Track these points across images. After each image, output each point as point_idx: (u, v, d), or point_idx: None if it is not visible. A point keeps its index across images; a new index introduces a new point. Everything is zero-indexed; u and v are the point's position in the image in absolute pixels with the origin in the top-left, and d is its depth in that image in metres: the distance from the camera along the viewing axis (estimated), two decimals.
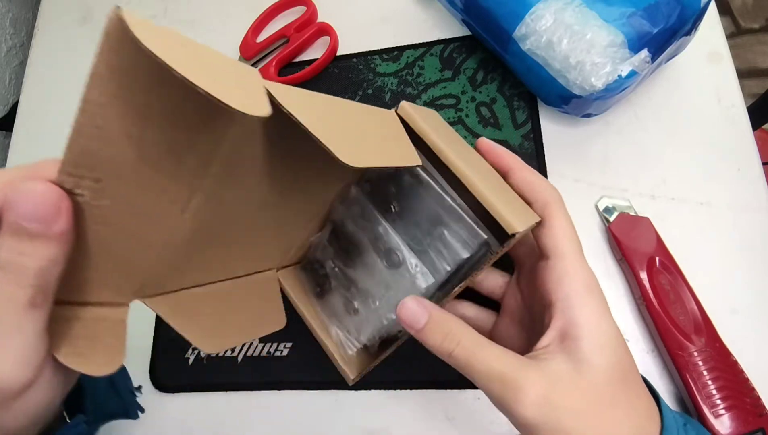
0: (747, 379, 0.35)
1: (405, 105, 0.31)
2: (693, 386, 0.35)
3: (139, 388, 0.39)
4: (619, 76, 0.37)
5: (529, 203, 0.30)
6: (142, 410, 0.38)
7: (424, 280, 0.29)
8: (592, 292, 0.26)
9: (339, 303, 0.35)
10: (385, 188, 0.32)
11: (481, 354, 0.25)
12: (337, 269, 0.35)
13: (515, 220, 0.26)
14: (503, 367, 0.24)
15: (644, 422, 0.25)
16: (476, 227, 0.28)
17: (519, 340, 0.33)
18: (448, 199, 0.28)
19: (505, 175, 0.31)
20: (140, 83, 0.18)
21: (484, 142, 0.33)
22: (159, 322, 0.47)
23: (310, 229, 0.35)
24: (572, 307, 0.25)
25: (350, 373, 0.35)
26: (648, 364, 0.39)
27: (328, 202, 0.34)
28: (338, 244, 0.35)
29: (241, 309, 0.32)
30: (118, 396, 0.34)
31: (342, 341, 0.35)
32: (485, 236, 0.27)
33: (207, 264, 0.29)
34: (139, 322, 0.47)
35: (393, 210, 0.32)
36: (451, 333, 0.25)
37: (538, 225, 0.29)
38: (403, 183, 0.31)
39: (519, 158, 0.31)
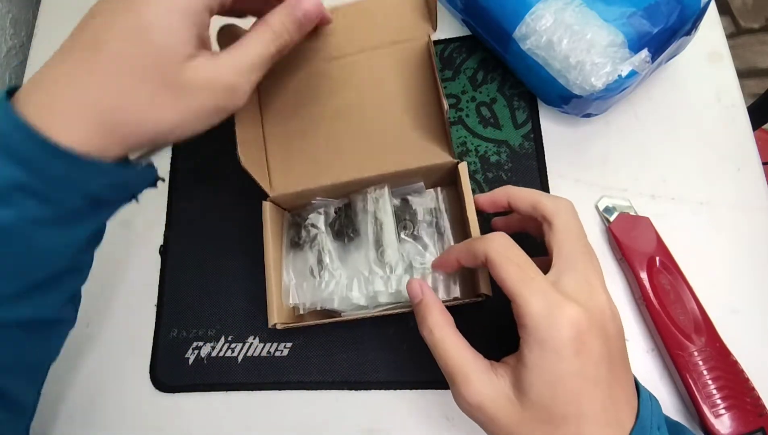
0: (747, 379, 0.35)
1: None
2: (693, 386, 0.35)
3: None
4: (619, 76, 0.37)
5: (540, 224, 0.32)
6: (162, 179, 0.36)
7: (388, 286, 0.39)
8: (544, 337, 0.27)
9: (307, 262, 0.42)
10: (407, 211, 0.42)
11: (442, 345, 0.30)
12: (327, 237, 0.42)
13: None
14: (464, 363, 0.29)
15: (621, 406, 0.26)
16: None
17: None
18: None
19: (509, 207, 0.35)
20: None
21: (480, 199, 0.36)
22: (159, 322, 0.47)
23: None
24: (524, 348, 0.27)
25: (276, 318, 0.38)
26: (648, 363, 0.39)
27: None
28: (344, 219, 0.42)
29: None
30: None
31: (289, 289, 0.41)
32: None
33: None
34: (139, 323, 0.47)
35: (409, 229, 0.41)
36: (426, 320, 0.31)
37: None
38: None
39: (512, 187, 0.35)
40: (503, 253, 0.28)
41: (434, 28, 0.39)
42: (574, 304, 0.26)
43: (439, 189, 0.43)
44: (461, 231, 0.41)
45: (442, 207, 0.42)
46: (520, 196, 0.33)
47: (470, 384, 0.28)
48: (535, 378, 0.26)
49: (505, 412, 0.27)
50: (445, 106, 0.35)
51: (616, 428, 0.25)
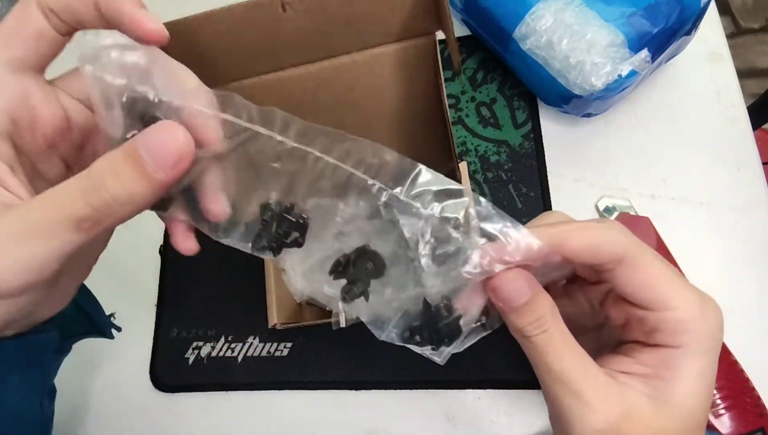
0: (747, 379, 0.35)
1: None
2: None
3: (111, 315, 0.36)
4: (619, 75, 0.37)
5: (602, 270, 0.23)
6: (118, 329, 0.36)
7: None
8: (708, 350, 0.22)
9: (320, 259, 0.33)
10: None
11: (562, 351, 0.22)
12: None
13: None
14: (578, 375, 0.22)
15: None
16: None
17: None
18: None
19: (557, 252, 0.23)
20: None
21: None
22: (159, 322, 0.47)
23: None
24: (679, 357, 0.22)
25: (276, 319, 0.35)
26: None
27: None
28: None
29: None
30: (87, 318, 0.33)
31: (293, 285, 0.34)
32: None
33: None
34: (139, 323, 0.47)
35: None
36: (543, 319, 0.22)
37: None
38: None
39: (563, 222, 0.24)
40: (641, 245, 0.22)
41: (446, 29, 0.33)
42: (713, 301, 0.23)
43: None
44: None
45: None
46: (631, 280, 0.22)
47: (594, 403, 0.21)
48: (698, 387, 0.22)
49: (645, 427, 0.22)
50: (447, 111, 0.34)
51: None
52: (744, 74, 1.22)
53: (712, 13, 0.45)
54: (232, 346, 0.45)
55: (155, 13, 0.23)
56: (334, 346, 0.43)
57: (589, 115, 0.43)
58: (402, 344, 0.24)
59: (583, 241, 0.22)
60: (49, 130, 0.22)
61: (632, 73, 0.38)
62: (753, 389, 0.35)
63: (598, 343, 0.26)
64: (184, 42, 0.32)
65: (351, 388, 0.42)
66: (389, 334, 0.25)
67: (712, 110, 0.44)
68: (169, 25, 0.30)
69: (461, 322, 0.23)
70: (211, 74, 0.36)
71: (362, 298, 0.24)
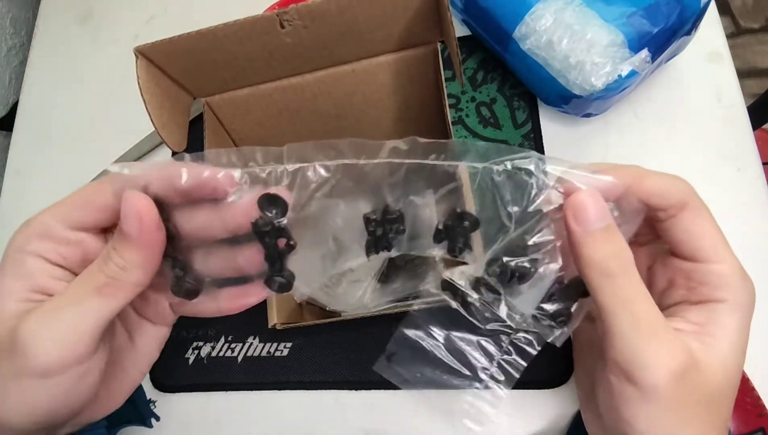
0: (747, 379, 0.35)
1: None
2: None
3: (152, 402, 0.41)
4: (619, 75, 0.37)
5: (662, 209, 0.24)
6: (158, 418, 0.39)
7: None
8: (746, 307, 0.24)
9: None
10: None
11: (644, 294, 0.21)
12: None
13: None
14: (659, 319, 0.21)
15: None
16: None
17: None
18: None
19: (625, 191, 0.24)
20: None
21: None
22: None
23: None
24: (721, 312, 0.23)
25: (276, 319, 0.35)
26: None
27: None
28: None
29: None
30: (134, 406, 0.36)
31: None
32: None
33: None
34: None
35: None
36: (623, 252, 0.21)
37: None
38: None
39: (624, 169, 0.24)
40: (701, 199, 0.24)
41: (448, 37, 0.33)
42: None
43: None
44: None
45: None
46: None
47: (672, 347, 0.21)
48: (739, 343, 0.23)
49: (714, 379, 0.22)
50: (448, 113, 0.34)
51: None
52: (744, 74, 1.21)
53: (712, 13, 0.45)
54: (232, 346, 0.45)
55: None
56: (334, 346, 0.43)
57: (589, 115, 0.43)
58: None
59: (655, 181, 0.23)
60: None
61: (632, 73, 0.38)
62: (753, 389, 0.35)
63: None
64: (184, 55, 0.32)
65: (351, 388, 0.42)
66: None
67: (712, 110, 0.44)
68: (169, 41, 0.31)
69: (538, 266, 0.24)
70: (208, 84, 0.36)
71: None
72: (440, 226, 0.25)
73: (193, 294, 0.25)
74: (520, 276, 0.24)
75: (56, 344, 0.21)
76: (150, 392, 0.45)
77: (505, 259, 0.24)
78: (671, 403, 0.21)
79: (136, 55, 0.31)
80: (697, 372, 0.22)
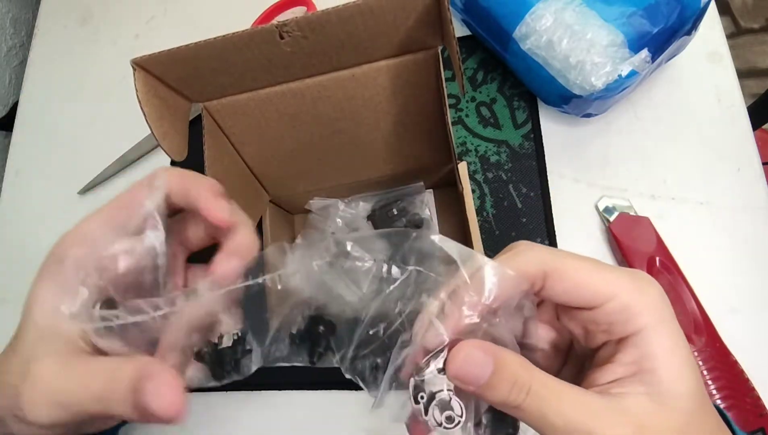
0: (747, 379, 0.35)
1: None
2: None
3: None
4: (619, 75, 0.37)
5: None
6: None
7: None
8: (664, 319, 0.22)
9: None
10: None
11: (555, 403, 0.20)
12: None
13: None
14: (583, 416, 0.20)
15: None
16: None
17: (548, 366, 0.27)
18: None
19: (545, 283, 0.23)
20: None
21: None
22: None
23: None
24: (646, 340, 0.22)
25: None
26: None
27: None
28: None
29: None
30: None
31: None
32: None
33: None
34: None
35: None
36: (520, 380, 0.21)
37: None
38: None
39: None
40: (555, 253, 0.23)
41: (450, 44, 0.32)
42: (643, 274, 0.23)
43: (432, 192, 0.43)
44: (460, 235, 0.41)
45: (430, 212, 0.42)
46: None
47: None
48: (678, 361, 0.22)
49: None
50: (448, 113, 0.34)
51: None
52: (744, 74, 1.21)
53: (712, 13, 0.45)
54: None
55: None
56: None
57: (589, 115, 0.43)
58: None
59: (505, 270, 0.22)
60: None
61: (632, 73, 0.38)
62: (753, 389, 0.35)
63: (575, 367, 0.26)
64: (182, 64, 0.32)
65: (351, 388, 0.42)
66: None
67: (712, 110, 0.44)
68: (167, 53, 0.31)
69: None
70: (207, 90, 0.36)
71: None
72: (293, 331, 0.26)
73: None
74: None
75: (51, 412, 0.22)
76: None
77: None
78: None
79: (133, 67, 0.30)
80: (650, 428, 0.20)
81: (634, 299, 0.22)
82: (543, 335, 0.26)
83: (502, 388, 0.21)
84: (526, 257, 0.22)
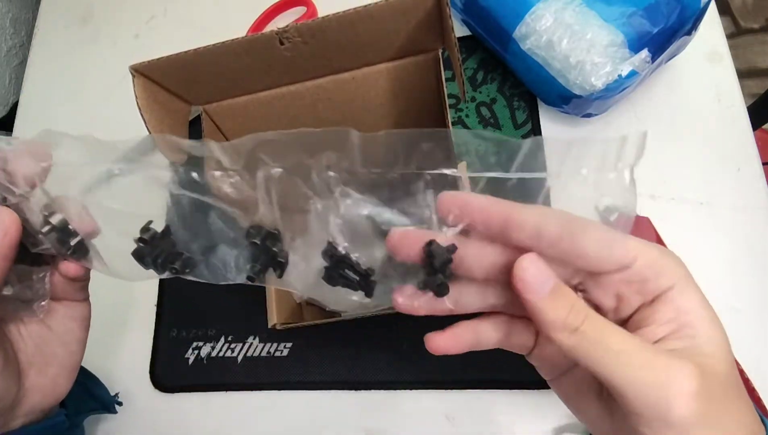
0: (747, 379, 0.35)
1: None
2: None
3: (116, 395, 0.43)
4: (619, 75, 0.37)
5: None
6: (120, 404, 0.42)
7: None
8: (689, 276, 0.23)
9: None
10: None
11: (616, 331, 0.20)
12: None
13: None
14: (647, 348, 0.20)
15: (753, 416, 0.23)
16: None
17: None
18: None
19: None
20: None
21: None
22: (159, 322, 0.47)
23: None
24: (680, 295, 0.22)
25: (276, 319, 0.35)
26: None
27: None
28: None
29: None
30: (93, 398, 0.38)
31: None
32: None
33: None
34: (139, 323, 0.47)
35: None
36: (578, 305, 0.21)
37: None
38: None
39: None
40: (576, 219, 0.23)
41: (450, 48, 0.32)
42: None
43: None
44: None
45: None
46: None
47: (681, 368, 0.20)
48: (710, 313, 0.22)
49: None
50: (448, 113, 0.34)
51: None
52: (744, 74, 1.21)
53: (712, 13, 0.45)
54: (232, 346, 0.45)
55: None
56: (334, 346, 0.43)
57: (589, 116, 0.43)
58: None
59: (529, 223, 0.23)
60: None
61: (632, 73, 0.38)
62: (753, 389, 0.35)
63: None
64: (181, 69, 0.32)
65: (351, 388, 0.42)
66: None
67: (712, 110, 0.44)
68: (166, 59, 0.31)
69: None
70: (206, 93, 0.36)
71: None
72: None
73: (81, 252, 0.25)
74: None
75: None
76: (150, 392, 0.45)
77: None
78: (707, 418, 0.20)
79: (132, 73, 0.31)
80: (707, 376, 0.21)
81: (660, 258, 0.22)
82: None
83: (562, 307, 0.20)
84: (547, 216, 0.23)
